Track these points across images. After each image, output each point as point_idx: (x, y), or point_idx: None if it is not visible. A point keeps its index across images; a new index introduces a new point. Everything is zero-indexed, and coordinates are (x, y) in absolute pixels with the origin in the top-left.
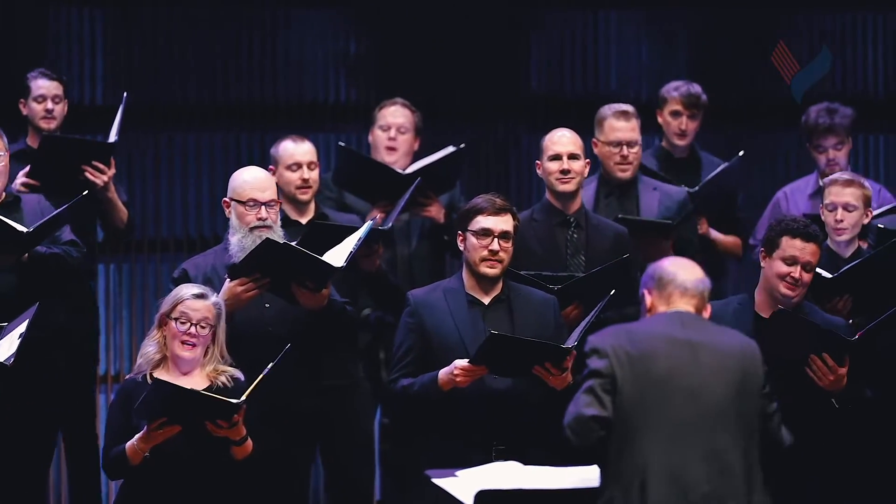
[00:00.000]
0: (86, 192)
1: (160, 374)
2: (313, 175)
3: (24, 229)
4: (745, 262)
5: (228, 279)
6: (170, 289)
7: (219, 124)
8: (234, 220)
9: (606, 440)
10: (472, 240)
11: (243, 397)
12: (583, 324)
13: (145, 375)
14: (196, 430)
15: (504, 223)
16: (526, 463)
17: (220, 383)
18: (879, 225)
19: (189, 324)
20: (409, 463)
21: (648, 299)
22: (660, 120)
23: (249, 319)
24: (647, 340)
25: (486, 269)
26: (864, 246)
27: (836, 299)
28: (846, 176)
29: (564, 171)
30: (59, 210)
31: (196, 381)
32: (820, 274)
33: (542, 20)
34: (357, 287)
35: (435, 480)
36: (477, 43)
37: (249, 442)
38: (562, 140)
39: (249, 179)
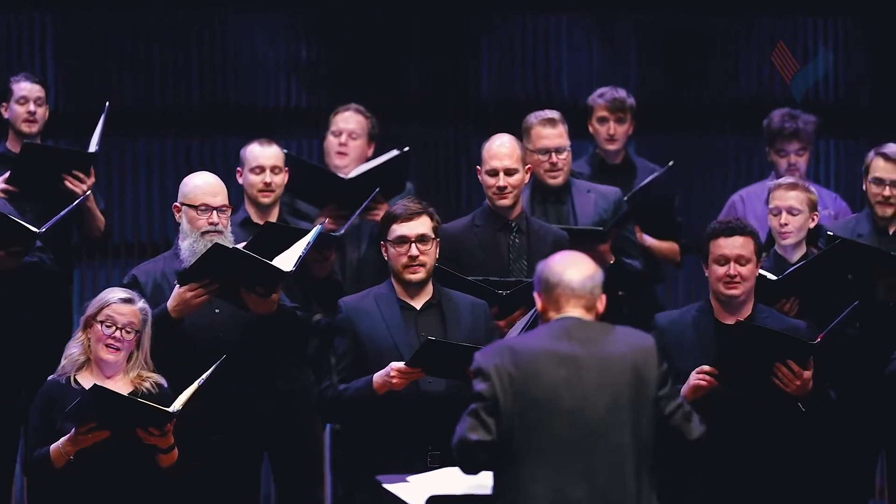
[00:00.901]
0: (88, 192)
1: (83, 377)
2: (276, 179)
3: (36, 229)
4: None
5: (178, 285)
6: None
7: (170, 129)
8: (184, 225)
9: (493, 463)
10: (392, 248)
11: (178, 407)
12: (522, 324)
13: (69, 377)
14: (125, 436)
15: (419, 226)
16: None
17: (144, 389)
18: (829, 232)
19: (114, 327)
20: (353, 468)
21: (539, 302)
22: (590, 129)
23: (199, 325)
24: (530, 359)
25: (409, 276)
26: (815, 251)
27: (783, 301)
28: (790, 180)
29: (501, 188)
30: (64, 212)
31: (119, 386)
32: (765, 276)
33: (493, 24)
34: (304, 297)
35: (385, 486)
36: (428, 47)
37: (176, 451)
38: (499, 153)
39: (201, 184)
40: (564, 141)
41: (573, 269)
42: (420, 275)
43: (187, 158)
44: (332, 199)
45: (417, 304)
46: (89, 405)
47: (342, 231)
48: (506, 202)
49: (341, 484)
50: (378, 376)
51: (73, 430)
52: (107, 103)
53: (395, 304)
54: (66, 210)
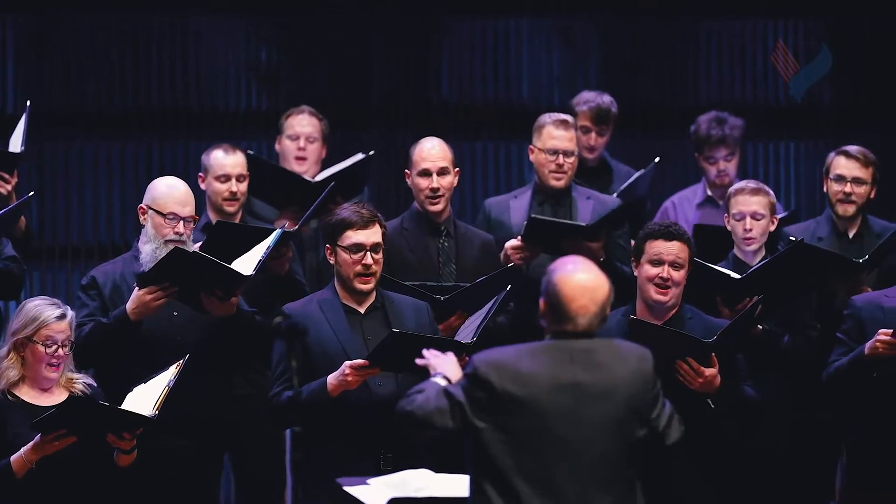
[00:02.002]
0: (32, 193)
1: (20, 392)
2: (241, 187)
3: None
4: None
5: (137, 287)
6: (79, 296)
7: (130, 132)
8: (149, 229)
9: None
10: (344, 255)
11: (155, 410)
12: (479, 320)
13: (4, 392)
14: (93, 440)
15: (374, 235)
16: (415, 468)
17: (78, 392)
18: (792, 237)
19: (56, 346)
20: (311, 471)
21: (543, 307)
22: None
23: (158, 328)
24: (529, 384)
25: (360, 286)
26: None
27: (746, 300)
28: (752, 185)
29: (434, 190)
30: (4, 211)
31: (56, 397)
32: (729, 275)
33: (452, 28)
34: (270, 295)
35: (346, 488)
36: (388, 50)
37: (135, 452)
38: (431, 154)
39: (173, 192)
40: (573, 145)
41: (580, 283)
42: (371, 285)
43: (147, 161)
44: (294, 202)
45: (361, 307)
46: (67, 415)
47: (297, 228)
48: (437, 208)
49: (301, 486)
50: (332, 377)
51: (38, 437)
52: (27, 103)
53: (340, 309)
54: (7, 209)
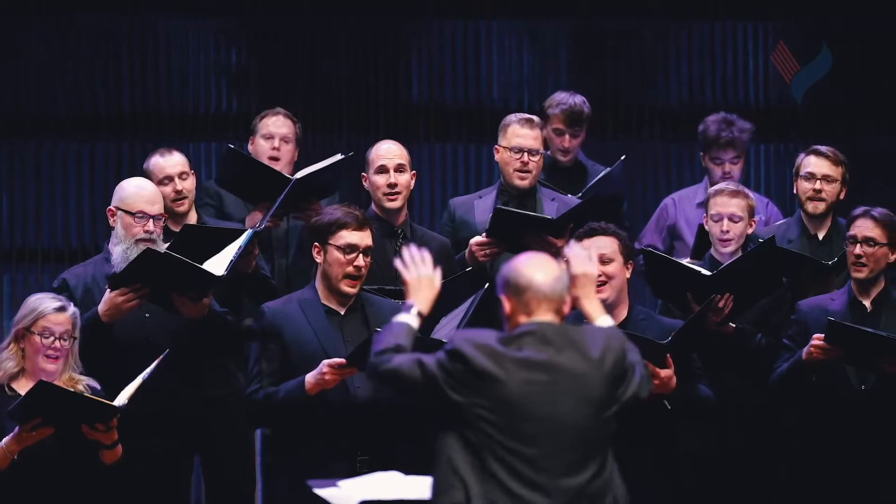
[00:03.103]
0: None
1: (18, 386)
2: (186, 184)
3: None
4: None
5: (109, 289)
6: None
7: (100, 134)
8: (119, 230)
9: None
10: (336, 254)
11: (124, 400)
12: (456, 320)
13: (2, 387)
14: (70, 432)
15: (368, 238)
16: (393, 470)
17: (78, 392)
18: (760, 240)
19: (53, 337)
20: (283, 473)
21: (507, 305)
22: (543, 132)
23: (129, 329)
24: (505, 362)
25: (346, 289)
26: None
27: (717, 297)
28: (731, 187)
29: (392, 185)
30: None
31: None
32: (700, 272)
33: (423, 29)
34: (240, 296)
35: (316, 490)
36: (358, 52)
37: (120, 447)
38: (388, 152)
39: (141, 191)
40: (539, 144)
41: (541, 272)
42: (356, 289)
43: (118, 163)
44: (269, 198)
45: (342, 308)
46: (34, 401)
47: (261, 226)
48: (395, 204)
49: (274, 488)
50: (311, 376)
51: (17, 428)
52: None
53: (321, 309)
54: None
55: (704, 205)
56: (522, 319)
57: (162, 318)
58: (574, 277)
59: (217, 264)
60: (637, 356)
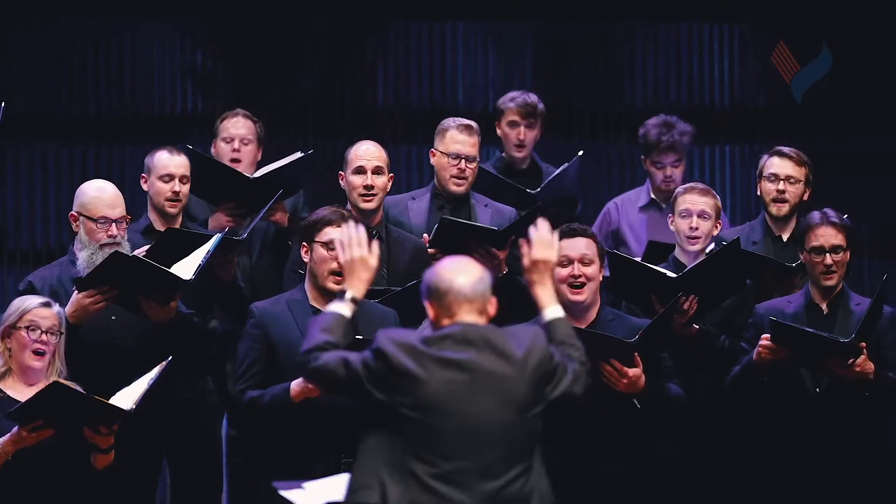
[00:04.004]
0: None
1: (5, 386)
2: (184, 189)
3: None
4: None
5: (76, 291)
6: None
7: (66, 136)
8: (82, 235)
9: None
10: (322, 252)
11: (133, 405)
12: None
13: None
14: (70, 435)
15: None
16: None
17: None
18: (724, 242)
19: (39, 331)
20: (256, 475)
21: (431, 311)
22: (498, 132)
23: (96, 332)
24: (425, 361)
25: (332, 285)
26: None
27: (682, 298)
28: (701, 186)
29: (368, 187)
30: None
31: None
32: (665, 274)
33: (389, 32)
34: (208, 299)
35: (281, 492)
36: (324, 54)
37: (113, 453)
38: (367, 153)
39: (101, 196)
40: (475, 151)
41: (462, 274)
42: (342, 287)
43: (83, 165)
44: (231, 198)
45: None
46: (44, 403)
47: (244, 234)
48: (371, 205)
49: (240, 490)
50: (296, 384)
51: (16, 428)
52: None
53: (308, 310)
54: None
55: (671, 204)
56: (446, 323)
57: (128, 321)
58: (533, 262)
59: (185, 268)
60: (576, 353)
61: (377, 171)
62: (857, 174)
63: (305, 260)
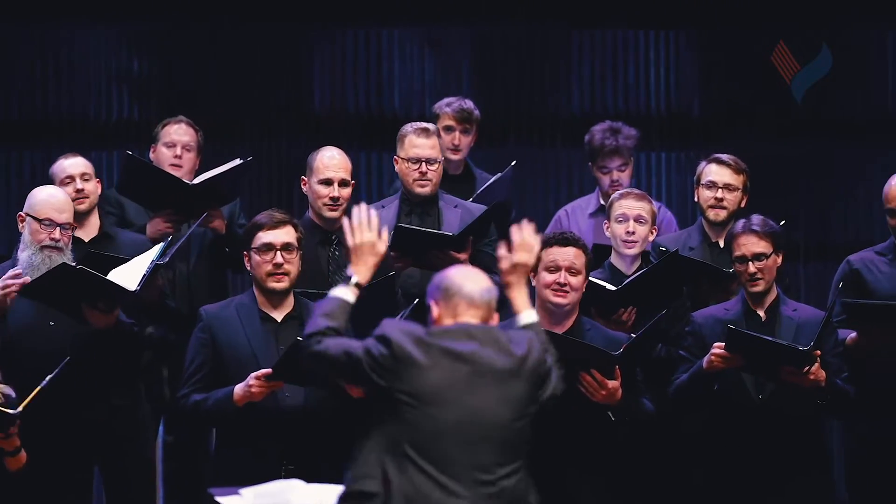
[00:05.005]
0: None
1: None
2: (88, 186)
3: None
4: None
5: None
6: None
7: (2, 141)
8: (26, 235)
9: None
10: (256, 256)
11: (20, 409)
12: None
13: None
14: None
15: (285, 235)
16: (317, 481)
17: None
18: (662, 248)
19: None
20: (193, 481)
21: (435, 310)
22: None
23: (34, 336)
24: (429, 350)
25: (273, 284)
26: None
27: (621, 311)
28: (636, 191)
29: (334, 199)
30: None
31: None
32: (604, 287)
33: (325, 37)
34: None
35: (217, 498)
36: (259, 59)
37: (23, 454)
38: (332, 164)
39: (49, 198)
40: (437, 153)
41: (472, 281)
42: (284, 283)
43: (19, 171)
44: (170, 204)
45: (278, 315)
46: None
47: (167, 259)
48: (336, 214)
49: (176, 497)
50: (239, 388)
51: None
52: None
53: (256, 315)
54: None
55: (607, 209)
56: (448, 322)
57: (67, 327)
58: (513, 265)
59: (130, 279)
60: (552, 358)
61: (343, 183)
62: (793, 179)
63: (248, 268)
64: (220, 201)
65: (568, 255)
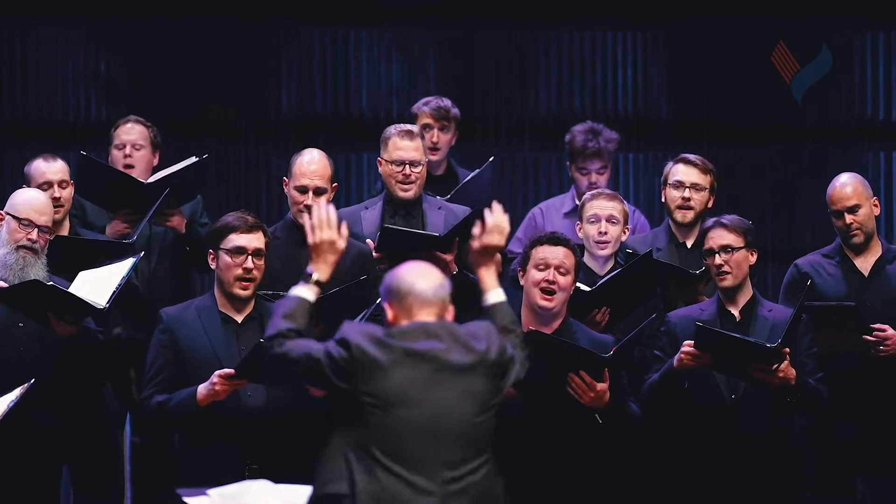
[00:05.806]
0: None
1: None
2: (65, 193)
3: None
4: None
5: None
6: None
7: None
8: (3, 234)
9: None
10: (226, 258)
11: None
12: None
13: None
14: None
15: (257, 240)
16: (281, 480)
17: None
18: (629, 250)
19: None
20: (160, 482)
21: (390, 312)
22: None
23: (2, 336)
24: (388, 350)
25: (239, 291)
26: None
27: (595, 311)
28: (609, 191)
29: (308, 207)
30: None
31: None
32: (579, 287)
33: (292, 39)
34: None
35: (185, 499)
36: (227, 60)
37: None
38: (309, 171)
39: (32, 201)
40: (420, 155)
41: (423, 278)
42: (249, 291)
43: None
44: (126, 204)
45: (239, 317)
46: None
47: (133, 238)
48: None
49: (143, 497)
50: (202, 387)
51: None
52: None
53: (217, 317)
54: None
55: (579, 211)
56: (404, 322)
57: (35, 328)
58: (483, 246)
59: (100, 294)
60: (517, 340)
61: (318, 191)
62: (761, 181)
63: (213, 267)
64: (179, 200)
65: (558, 254)
